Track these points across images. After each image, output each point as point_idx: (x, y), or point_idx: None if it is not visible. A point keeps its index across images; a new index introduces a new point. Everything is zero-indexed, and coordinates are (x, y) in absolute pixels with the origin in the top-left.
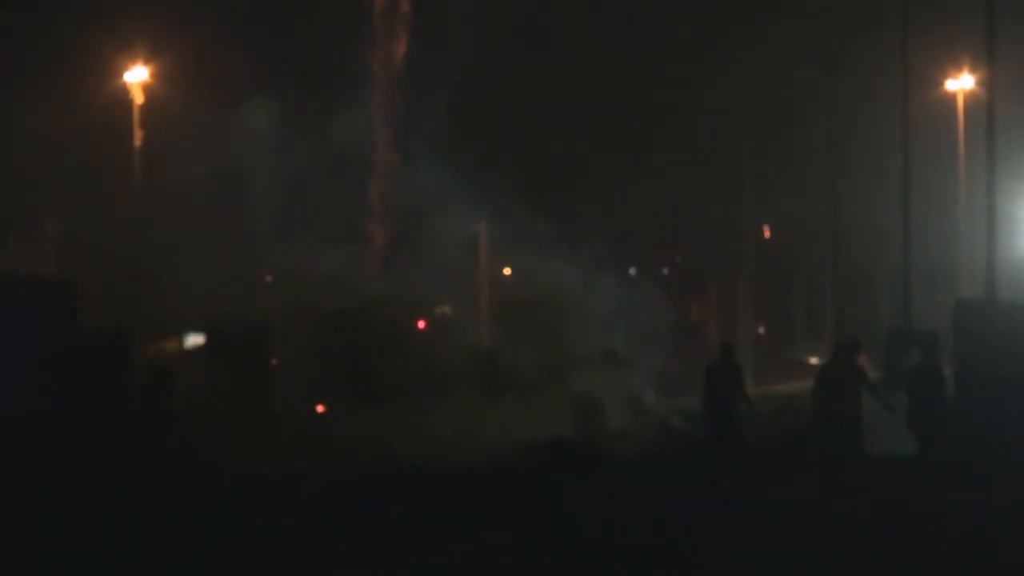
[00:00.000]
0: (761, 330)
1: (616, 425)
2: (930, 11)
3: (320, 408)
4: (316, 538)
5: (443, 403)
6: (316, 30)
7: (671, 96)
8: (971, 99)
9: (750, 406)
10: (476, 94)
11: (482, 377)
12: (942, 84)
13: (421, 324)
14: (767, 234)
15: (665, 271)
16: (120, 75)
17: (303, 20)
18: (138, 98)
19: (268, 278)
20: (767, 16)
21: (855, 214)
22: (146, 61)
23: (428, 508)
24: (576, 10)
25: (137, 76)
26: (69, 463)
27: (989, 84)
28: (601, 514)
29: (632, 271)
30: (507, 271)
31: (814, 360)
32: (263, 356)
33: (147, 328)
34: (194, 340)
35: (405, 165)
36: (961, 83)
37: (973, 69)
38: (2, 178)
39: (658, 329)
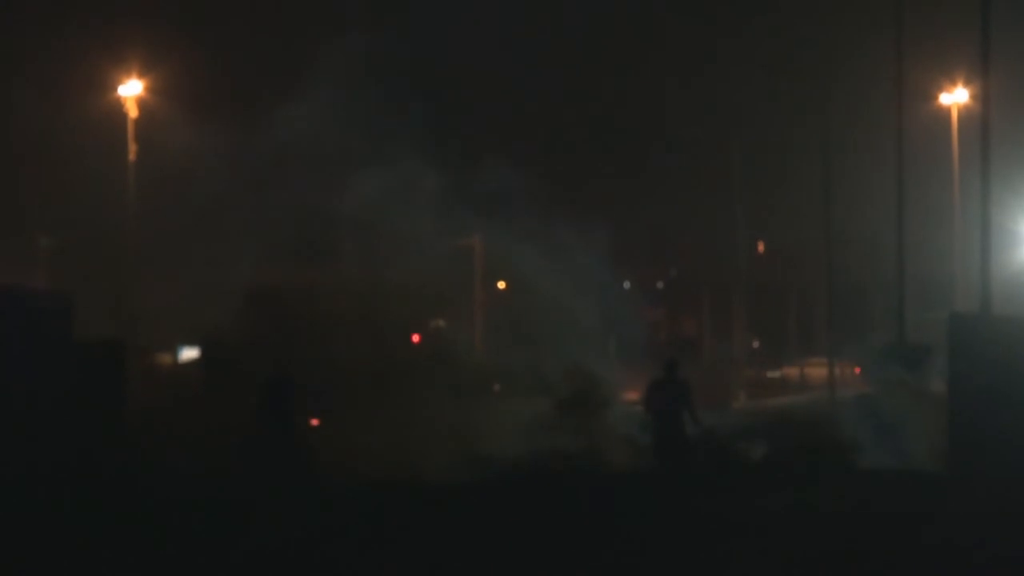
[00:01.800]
0: (756, 343)
1: (583, 441)
2: (926, 23)
3: (314, 422)
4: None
5: (429, 414)
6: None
7: (664, 109)
8: (966, 111)
9: (699, 422)
10: (463, 99)
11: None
12: (937, 97)
13: (416, 338)
14: (761, 248)
15: (660, 285)
16: (115, 88)
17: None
18: (132, 112)
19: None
20: (762, 28)
21: (850, 227)
22: (140, 74)
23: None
24: (569, 16)
25: (131, 90)
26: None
27: (984, 97)
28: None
29: (627, 284)
30: (502, 284)
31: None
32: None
33: (141, 341)
34: (188, 354)
35: (393, 170)
36: (955, 96)
37: (968, 82)
38: None
39: (648, 342)
